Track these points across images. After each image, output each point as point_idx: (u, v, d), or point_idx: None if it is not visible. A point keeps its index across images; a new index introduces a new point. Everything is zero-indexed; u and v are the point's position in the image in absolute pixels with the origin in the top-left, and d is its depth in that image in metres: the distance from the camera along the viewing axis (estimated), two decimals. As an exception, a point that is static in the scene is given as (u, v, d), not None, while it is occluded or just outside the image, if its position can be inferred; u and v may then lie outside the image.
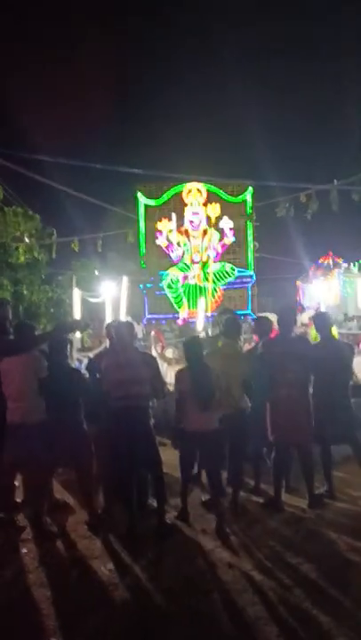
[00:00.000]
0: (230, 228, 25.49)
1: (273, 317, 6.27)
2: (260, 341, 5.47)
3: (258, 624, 3.13)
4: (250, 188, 24.60)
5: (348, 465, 5.66)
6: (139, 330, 21.34)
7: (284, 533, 4.40)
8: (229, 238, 25.58)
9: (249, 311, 24.23)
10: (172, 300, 25.29)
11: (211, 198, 25.68)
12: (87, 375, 5.10)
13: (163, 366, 13.82)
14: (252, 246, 24.44)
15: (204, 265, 25.38)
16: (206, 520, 4.71)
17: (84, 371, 5.46)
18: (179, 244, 25.47)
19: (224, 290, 25.06)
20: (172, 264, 25.53)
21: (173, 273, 25.40)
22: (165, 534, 4.42)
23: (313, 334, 10.87)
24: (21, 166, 11.49)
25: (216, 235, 25.25)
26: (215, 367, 5.06)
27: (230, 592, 3.51)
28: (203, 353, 4.82)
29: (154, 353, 14.38)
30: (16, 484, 5.22)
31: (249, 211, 23.95)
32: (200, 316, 17.69)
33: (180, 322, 23.57)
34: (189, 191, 25.89)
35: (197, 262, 25.61)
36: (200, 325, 16.74)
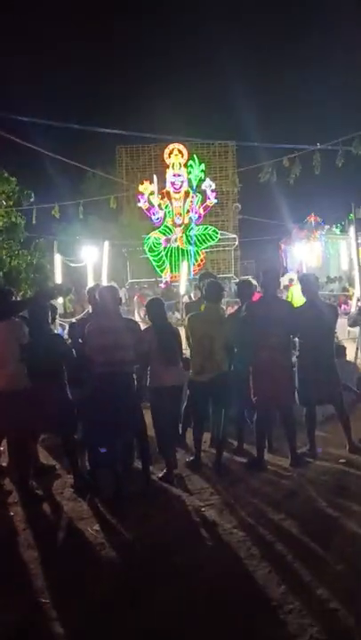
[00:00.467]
0: (212, 190, 25.25)
1: (253, 282, 6.27)
2: (243, 304, 5.47)
3: (241, 578, 3.23)
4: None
5: (330, 424, 5.79)
6: (121, 294, 21.30)
7: (267, 492, 4.50)
8: (211, 200, 25.37)
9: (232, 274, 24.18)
10: (155, 264, 25.18)
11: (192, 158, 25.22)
12: (69, 341, 5.08)
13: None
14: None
15: (187, 227, 25.19)
16: (191, 480, 4.80)
17: (65, 336, 5.44)
18: (160, 207, 25.20)
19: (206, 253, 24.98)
20: (154, 227, 25.31)
21: (155, 236, 25.21)
22: (151, 495, 4.50)
23: (290, 295, 10.94)
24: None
25: (198, 197, 24.99)
26: (198, 331, 5.09)
27: (215, 549, 3.61)
28: (165, 313, 5.24)
29: (137, 317, 14.42)
30: (1, 448, 5.25)
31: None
32: (183, 280, 17.65)
33: (162, 285, 23.52)
34: (170, 152, 25.45)
35: (179, 225, 25.42)
36: (183, 289, 16.72)
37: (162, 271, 25.10)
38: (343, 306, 16.61)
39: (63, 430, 4.70)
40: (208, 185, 25.17)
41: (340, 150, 9.78)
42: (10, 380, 4.45)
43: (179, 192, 25.21)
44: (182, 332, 5.35)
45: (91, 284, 10.51)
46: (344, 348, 7.51)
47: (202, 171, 24.87)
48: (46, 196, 15.91)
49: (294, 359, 5.30)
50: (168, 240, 25.27)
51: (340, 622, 2.79)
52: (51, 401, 4.49)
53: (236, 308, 6.37)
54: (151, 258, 25.26)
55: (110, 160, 26.17)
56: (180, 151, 25.31)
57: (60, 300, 13.14)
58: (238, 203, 26.39)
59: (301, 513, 4.05)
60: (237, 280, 12.45)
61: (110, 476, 4.60)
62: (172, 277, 23.78)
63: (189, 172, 24.86)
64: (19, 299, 6.91)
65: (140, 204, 24.96)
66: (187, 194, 25.17)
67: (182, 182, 25.15)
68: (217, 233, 25.53)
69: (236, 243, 27.30)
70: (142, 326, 13.63)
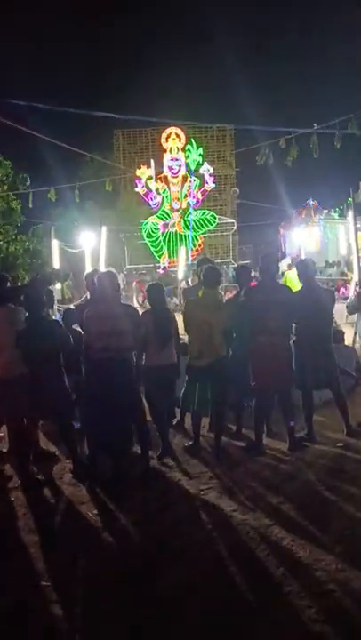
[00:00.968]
0: (210, 175, 25.09)
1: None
2: (242, 290, 5.46)
3: (240, 561, 3.26)
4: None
5: (328, 408, 5.81)
6: (120, 280, 21.28)
7: (266, 475, 4.53)
8: (209, 185, 25.21)
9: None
10: (153, 249, 25.10)
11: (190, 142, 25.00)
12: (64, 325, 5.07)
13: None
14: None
15: (185, 212, 25.06)
16: (190, 465, 4.83)
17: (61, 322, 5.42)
18: (158, 192, 25.04)
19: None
20: (152, 212, 25.18)
21: (153, 221, 25.09)
22: (150, 480, 4.52)
23: (285, 280, 10.91)
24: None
25: (196, 182, 24.83)
26: (196, 316, 5.09)
27: (214, 532, 3.63)
28: (164, 298, 5.40)
29: (135, 303, 14.42)
30: (1, 434, 5.27)
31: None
32: (181, 265, 17.61)
33: (160, 271, 23.48)
34: (168, 136, 25.23)
35: (177, 210, 25.29)
36: (181, 274, 16.69)
37: (160, 256, 25.05)
38: (342, 290, 16.63)
39: (59, 416, 4.71)
40: (206, 169, 25.00)
41: (336, 132, 9.68)
42: (6, 366, 4.45)
43: (176, 176, 25.07)
44: (180, 317, 5.35)
45: (89, 269, 10.47)
46: (342, 333, 7.51)
47: (200, 155, 24.68)
48: (44, 182, 15.81)
49: (292, 344, 5.29)
50: (166, 225, 25.17)
51: (338, 603, 2.82)
52: (47, 387, 4.49)
53: (234, 293, 6.36)
54: (149, 243, 25.17)
55: (108, 145, 25.97)
56: (177, 135, 25.11)
57: (58, 285, 13.12)
58: (236, 187, 26.22)
59: (300, 496, 4.08)
60: (235, 265, 12.43)
61: (109, 460, 4.63)
62: (170, 263, 23.72)
63: (187, 157, 24.67)
64: (19, 284, 6.88)
65: (137, 189, 24.81)
66: (185, 178, 25.02)
67: (180, 167, 25.00)
68: (215, 218, 25.42)
69: (235, 227, 27.21)
70: (141, 312, 13.65)
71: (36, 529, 3.85)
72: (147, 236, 25.05)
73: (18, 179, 10.88)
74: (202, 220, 25.11)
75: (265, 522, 3.70)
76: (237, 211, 26.71)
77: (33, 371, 4.46)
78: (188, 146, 24.66)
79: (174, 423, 5.92)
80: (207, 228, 25.31)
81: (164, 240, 25.13)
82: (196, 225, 24.97)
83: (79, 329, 5.48)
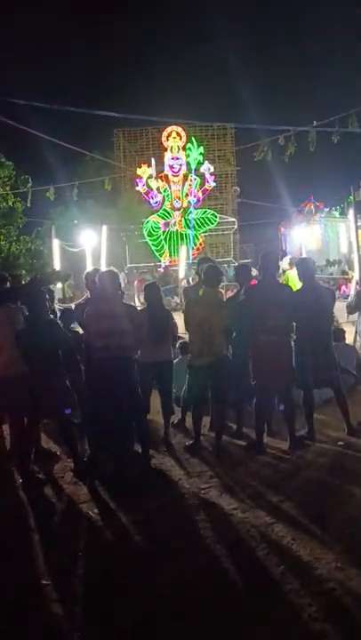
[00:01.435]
0: (211, 173, 25.06)
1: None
2: (242, 288, 5.46)
3: (241, 560, 3.26)
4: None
5: (329, 407, 5.81)
6: (121, 279, 21.27)
7: (266, 474, 4.53)
8: (210, 184, 25.18)
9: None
10: (153, 248, 25.09)
11: (191, 140, 24.98)
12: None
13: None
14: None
15: (185, 211, 25.03)
16: (190, 464, 4.83)
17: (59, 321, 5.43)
18: (159, 190, 25.03)
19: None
20: (153, 211, 25.17)
21: (154, 220, 25.08)
22: (151, 478, 4.53)
23: (286, 278, 10.90)
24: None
25: (197, 180, 24.81)
26: (197, 315, 5.09)
27: (214, 531, 3.63)
28: (161, 296, 5.60)
29: (136, 302, 14.41)
30: (5, 433, 5.27)
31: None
32: (182, 264, 17.60)
33: (161, 270, 23.48)
34: (169, 134, 25.21)
35: (178, 209, 25.26)
36: (182, 273, 16.69)
37: (161, 255, 25.04)
38: (343, 288, 16.64)
39: (60, 415, 4.72)
40: (207, 168, 24.98)
41: (336, 129, 9.69)
42: (6, 364, 4.45)
43: (177, 175, 25.06)
44: (181, 316, 5.36)
45: (90, 268, 10.46)
46: (343, 332, 7.50)
47: (200, 153, 24.66)
48: (44, 181, 15.82)
49: (292, 343, 5.29)
50: (167, 224, 25.16)
51: (338, 601, 2.82)
52: (48, 386, 4.49)
53: (235, 292, 6.36)
54: (150, 242, 25.17)
55: (108, 144, 25.94)
56: (178, 134, 25.09)
57: (59, 285, 13.13)
58: (237, 186, 26.18)
59: (300, 495, 4.08)
60: (236, 264, 12.42)
61: (110, 459, 4.64)
62: (171, 262, 23.71)
63: (188, 155, 24.65)
64: (22, 283, 6.86)
65: (138, 188, 24.80)
66: (185, 177, 25.00)
67: (181, 165, 24.98)
68: (216, 216, 25.41)
69: (235, 226, 27.17)
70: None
71: (36, 528, 3.86)
72: (148, 235, 25.05)
73: (20, 180, 10.88)
74: (203, 218, 25.10)
75: (265, 520, 3.70)
76: (238, 209, 26.66)
77: (33, 369, 4.46)
78: (189, 144, 24.64)
79: (175, 422, 5.93)
80: (208, 227, 25.29)
81: (165, 239, 25.13)
82: (197, 224, 24.96)
83: (78, 329, 5.51)
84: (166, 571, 3.22)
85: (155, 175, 24.83)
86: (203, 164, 24.83)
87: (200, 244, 25.36)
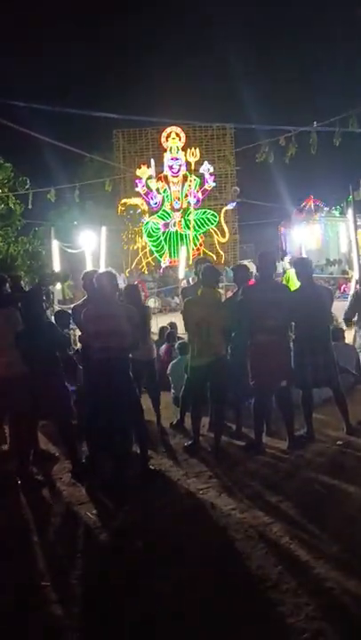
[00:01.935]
0: (211, 174, 25.07)
1: (251, 266, 6.26)
2: (240, 288, 5.47)
3: (239, 559, 3.26)
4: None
5: (328, 407, 5.81)
6: (120, 280, 21.31)
7: (265, 474, 4.53)
8: (210, 184, 25.19)
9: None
10: (153, 249, 25.09)
11: (190, 143, 25.04)
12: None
13: (146, 316, 13.89)
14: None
15: (185, 212, 25.03)
16: (189, 464, 4.84)
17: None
18: (158, 191, 25.03)
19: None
20: (152, 212, 25.17)
21: (153, 221, 25.09)
22: (149, 479, 4.53)
23: (287, 278, 10.90)
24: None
25: (196, 180, 24.81)
26: (195, 315, 5.10)
27: (213, 531, 3.63)
28: (140, 297, 5.98)
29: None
30: (6, 433, 5.28)
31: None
32: (182, 265, 17.60)
33: (161, 271, 23.49)
34: (168, 135, 25.22)
35: (178, 209, 25.27)
36: (182, 273, 16.68)
37: (161, 256, 25.04)
38: (343, 287, 16.65)
39: (58, 416, 4.72)
40: (206, 169, 24.98)
41: (337, 129, 9.68)
42: (6, 365, 4.46)
43: (177, 176, 25.07)
44: (180, 317, 5.39)
45: (89, 270, 10.45)
46: (343, 331, 7.50)
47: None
48: (44, 183, 15.82)
49: (291, 342, 5.29)
50: (167, 225, 25.16)
51: (335, 601, 2.82)
52: (46, 387, 4.50)
53: (233, 292, 6.36)
54: (150, 243, 25.17)
55: (108, 145, 25.93)
56: (177, 134, 25.11)
57: (59, 286, 13.13)
58: (237, 186, 26.15)
59: (299, 495, 4.08)
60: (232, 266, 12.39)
61: (109, 460, 4.64)
62: (171, 262, 23.72)
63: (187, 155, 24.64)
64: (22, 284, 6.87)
65: (137, 189, 24.80)
66: (185, 178, 25.00)
67: (180, 166, 24.98)
68: (216, 217, 25.40)
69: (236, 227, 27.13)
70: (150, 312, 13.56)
71: (35, 529, 3.86)
72: (147, 236, 25.06)
73: (17, 182, 10.88)
74: (202, 219, 25.10)
75: (263, 520, 3.70)
76: (238, 209, 26.63)
77: (32, 370, 4.47)
78: (189, 150, 24.64)
79: (174, 423, 5.94)
80: (208, 228, 25.28)
81: (165, 240, 25.13)
82: (197, 224, 24.95)
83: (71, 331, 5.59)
84: (165, 571, 3.22)
85: (154, 176, 24.83)
86: (202, 164, 24.83)
87: (200, 245, 25.35)
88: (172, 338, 7.86)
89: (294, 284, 6.89)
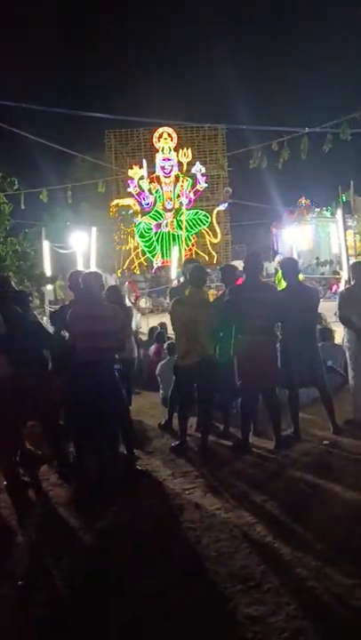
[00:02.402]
0: (202, 174, 25.08)
1: (241, 266, 6.25)
2: (227, 288, 5.48)
3: (223, 560, 3.26)
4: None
5: (316, 406, 5.82)
6: (112, 280, 21.21)
7: (251, 474, 4.54)
8: (202, 184, 25.19)
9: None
10: (146, 250, 25.07)
11: (182, 143, 25.06)
12: (52, 328, 5.07)
13: (137, 316, 13.86)
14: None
15: (177, 212, 25.02)
16: (176, 464, 4.84)
17: (49, 324, 5.44)
18: (150, 192, 25.02)
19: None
20: (145, 212, 25.15)
21: (146, 221, 25.07)
22: (136, 480, 4.53)
23: (278, 277, 10.93)
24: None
25: (188, 181, 24.82)
26: (182, 316, 5.10)
27: (197, 531, 3.63)
28: (121, 297, 5.90)
29: (128, 303, 14.39)
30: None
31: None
32: (174, 265, 17.59)
33: (153, 271, 23.48)
34: (160, 135, 25.21)
35: (170, 210, 25.26)
36: (174, 274, 16.67)
37: (153, 257, 25.02)
38: (334, 287, 16.72)
39: (44, 417, 4.71)
40: (198, 169, 24.99)
41: (328, 135, 9.72)
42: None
43: (169, 176, 25.06)
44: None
45: (87, 271, 10.39)
46: (331, 331, 7.55)
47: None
48: (36, 183, 15.77)
49: (278, 343, 5.31)
50: (159, 225, 25.14)
51: (317, 600, 2.83)
52: (32, 388, 4.47)
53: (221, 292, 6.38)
54: (142, 243, 25.15)
55: (99, 145, 25.89)
56: (169, 135, 25.10)
57: (50, 286, 13.08)
58: (229, 187, 26.18)
59: (284, 494, 4.09)
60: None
61: (96, 461, 4.64)
62: (163, 263, 23.71)
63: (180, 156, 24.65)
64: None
65: (129, 189, 24.77)
66: (177, 178, 25.00)
67: (172, 166, 24.97)
68: (208, 217, 25.41)
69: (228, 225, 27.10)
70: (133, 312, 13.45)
71: (20, 531, 3.85)
72: (140, 237, 25.03)
73: (5, 182, 10.83)
74: (194, 219, 25.11)
75: (248, 520, 3.71)
76: (230, 210, 26.65)
77: (17, 372, 4.44)
78: (181, 151, 24.65)
79: (162, 423, 5.94)
80: (200, 228, 25.29)
81: (157, 240, 25.12)
82: (189, 225, 24.95)
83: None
84: (150, 571, 3.22)
85: (146, 176, 24.82)
86: (194, 165, 24.84)
87: (192, 245, 25.35)
88: (161, 338, 7.87)
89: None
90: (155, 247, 25.08)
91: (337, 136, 11.08)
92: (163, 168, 25.01)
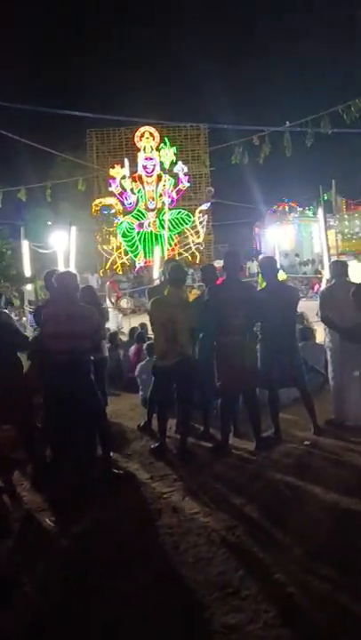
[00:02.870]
0: (185, 174, 24.98)
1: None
2: (207, 288, 5.40)
3: (200, 565, 3.18)
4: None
5: (296, 407, 5.77)
6: (93, 280, 21.02)
7: (231, 476, 4.46)
8: (184, 184, 25.09)
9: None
10: (128, 249, 24.90)
11: (164, 140, 24.91)
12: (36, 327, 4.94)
13: (118, 316, 13.76)
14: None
15: (160, 212, 24.88)
16: (155, 467, 4.74)
17: (32, 323, 5.31)
18: (132, 191, 24.86)
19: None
20: (127, 212, 24.98)
21: (128, 221, 24.90)
22: (113, 482, 4.43)
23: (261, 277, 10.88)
24: None
25: (170, 180, 24.70)
26: (161, 316, 5.01)
27: (175, 536, 3.54)
28: (97, 298, 5.82)
29: (108, 303, 14.26)
30: None
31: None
32: (156, 265, 17.46)
33: (135, 271, 23.34)
34: (142, 135, 25.05)
35: (152, 209, 25.12)
36: (156, 274, 16.55)
37: (135, 256, 24.87)
38: (316, 287, 16.78)
39: (19, 420, 4.58)
40: (181, 169, 24.88)
41: (308, 130, 9.69)
42: None
43: (151, 176, 24.92)
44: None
45: (62, 270, 10.23)
46: (313, 331, 7.51)
47: (175, 153, 24.57)
48: (15, 182, 15.55)
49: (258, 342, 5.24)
50: (141, 225, 24.99)
51: (295, 607, 2.76)
52: (4, 391, 4.34)
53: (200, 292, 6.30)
54: (125, 243, 24.98)
55: (80, 144, 25.64)
56: (151, 134, 24.95)
57: (30, 287, 12.90)
58: (211, 186, 26.12)
59: (263, 497, 4.02)
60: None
61: (72, 464, 4.52)
62: (146, 262, 23.57)
63: (161, 155, 24.53)
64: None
65: (111, 189, 24.58)
66: (159, 177, 24.87)
67: (154, 166, 24.84)
68: (190, 217, 25.32)
69: (204, 219, 26.88)
70: (113, 312, 13.44)
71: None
72: (122, 236, 24.85)
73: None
74: (177, 219, 25.00)
75: (227, 524, 3.63)
76: (212, 210, 26.59)
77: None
78: (162, 145, 24.53)
79: (142, 424, 5.84)
80: (182, 228, 25.18)
81: (140, 240, 24.96)
82: (172, 224, 24.83)
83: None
84: (126, 577, 3.13)
85: (128, 175, 24.65)
86: (176, 164, 24.73)
87: (175, 245, 25.23)
88: (141, 339, 7.76)
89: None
90: (137, 247, 24.92)
91: (319, 135, 11.08)
92: (145, 167, 24.86)
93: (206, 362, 5.11)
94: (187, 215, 25.26)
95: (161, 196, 24.78)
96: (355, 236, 22.40)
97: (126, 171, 24.55)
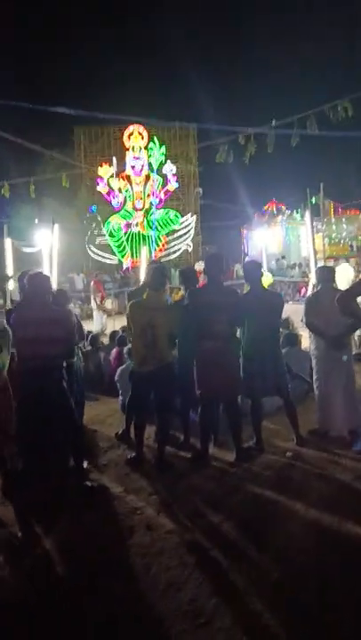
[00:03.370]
0: (173, 174, 24.74)
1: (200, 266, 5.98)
2: (186, 291, 5.19)
3: (170, 592, 2.97)
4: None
5: (279, 416, 5.58)
6: (78, 281, 20.70)
7: (208, 489, 4.25)
8: (173, 184, 24.86)
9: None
10: (115, 249, 24.62)
11: (153, 140, 24.67)
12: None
13: (102, 317, 13.49)
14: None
15: (147, 212, 24.62)
16: (130, 479, 4.53)
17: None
18: (120, 191, 24.57)
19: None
20: (114, 211, 24.70)
21: (115, 221, 24.62)
22: (84, 497, 4.20)
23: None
24: None
25: (158, 180, 24.46)
26: (140, 320, 4.79)
27: (145, 557, 3.32)
28: (69, 301, 5.63)
29: (93, 304, 13.99)
30: None
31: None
32: (143, 266, 17.21)
33: (122, 271, 23.07)
34: (130, 134, 24.77)
35: (140, 209, 24.84)
36: (143, 275, 16.29)
37: (123, 256, 24.59)
38: (303, 290, 16.67)
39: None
40: (169, 169, 24.65)
41: (294, 130, 9.56)
42: None
43: (139, 175, 24.65)
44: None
45: (46, 270, 9.97)
46: (298, 337, 7.31)
47: (162, 154, 24.34)
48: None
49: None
50: (129, 225, 24.72)
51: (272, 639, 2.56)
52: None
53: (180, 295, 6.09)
54: (112, 243, 24.69)
55: (68, 142, 25.38)
56: (140, 133, 24.68)
57: (12, 286, 12.59)
58: (200, 187, 25.95)
59: (242, 512, 3.82)
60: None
61: (43, 474, 4.29)
62: (133, 263, 23.31)
63: (150, 155, 24.30)
64: None
65: (99, 188, 24.30)
66: (147, 177, 24.62)
67: (143, 165, 24.58)
68: (178, 217, 25.09)
69: (192, 224, 26.71)
70: (98, 313, 13.08)
71: None
72: (109, 236, 24.56)
73: None
74: (165, 219, 24.77)
75: (202, 544, 3.42)
76: (200, 211, 26.41)
77: None
78: (151, 144, 24.28)
79: (120, 433, 5.62)
80: (170, 228, 24.96)
81: (127, 240, 24.69)
82: (160, 224, 24.59)
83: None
84: (89, 603, 2.91)
85: (116, 175, 24.38)
86: (165, 164, 24.51)
87: (163, 245, 24.99)
88: (122, 342, 7.53)
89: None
90: (124, 247, 24.65)
91: (307, 137, 10.97)
92: (133, 167, 24.60)
93: (186, 368, 4.90)
94: (175, 215, 25.03)
95: (149, 196, 24.53)
96: (342, 240, 22.35)
97: (114, 169, 24.27)
